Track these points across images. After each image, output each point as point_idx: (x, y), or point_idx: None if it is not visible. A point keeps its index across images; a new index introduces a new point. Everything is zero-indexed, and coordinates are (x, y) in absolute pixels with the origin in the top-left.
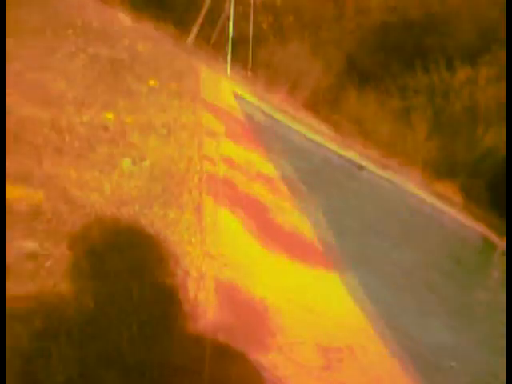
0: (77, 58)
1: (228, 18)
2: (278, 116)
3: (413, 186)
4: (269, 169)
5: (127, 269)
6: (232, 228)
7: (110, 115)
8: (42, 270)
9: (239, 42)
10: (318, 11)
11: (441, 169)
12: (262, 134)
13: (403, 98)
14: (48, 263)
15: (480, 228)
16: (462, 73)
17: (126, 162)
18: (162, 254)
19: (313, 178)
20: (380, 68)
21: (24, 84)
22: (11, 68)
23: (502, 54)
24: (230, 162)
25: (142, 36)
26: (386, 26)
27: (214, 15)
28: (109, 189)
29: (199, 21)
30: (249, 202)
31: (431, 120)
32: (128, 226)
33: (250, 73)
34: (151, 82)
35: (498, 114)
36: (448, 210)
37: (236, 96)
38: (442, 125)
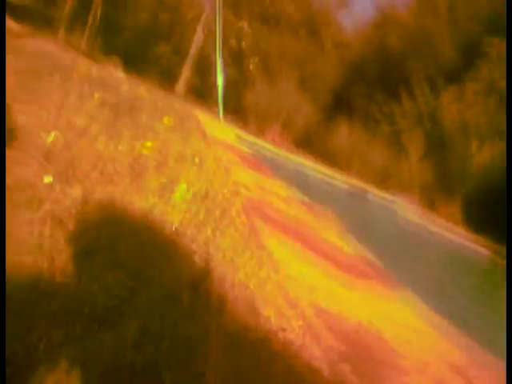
0: (90, 98)
1: (215, 66)
2: (277, 151)
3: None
4: (292, 193)
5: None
6: (290, 250)
7: (148, 143)
8: None
9: (228, 86)
10: (300, 49)
11: (437, 190)
12: (271, 166)
13: (391, 124)
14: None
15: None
16: (449, 92)
17: (181, 188)
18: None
19: (330, 202)
20: (365, 98)
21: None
22: (35, 107)
23: (486, 69)
24: (260, 187)
25: (136, 84)
26: (366, 56)
27: (199, 64)
28: (163, 213)
29: (186, 70)
30: (294, 223)
31: (422, 142)
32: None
33: (241, 115)
34: (165, 120)
35: (489, 129)
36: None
37: (236, 135)
38: (434, 145)
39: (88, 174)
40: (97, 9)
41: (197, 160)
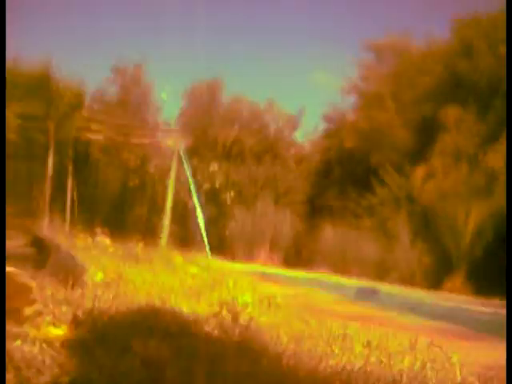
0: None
1: (193, 210)
2: (277, 271)
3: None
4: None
5: None
6: None
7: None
8: None
9: (210, 223)
10: (268, 172)
11: (437, 269)
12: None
13: (372, 215)
14: None
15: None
16: (419, 171)
17: None
18: None
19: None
20: (341, 198)
21: None
22: None
23: (448, 138)
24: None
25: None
26: (330, 163)
27: (177, 212)
28: None
29: (166, 222)
30: None
31: (408, 224)
32: None
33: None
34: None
35: (471, 191)
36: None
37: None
38: (421, 225)
39: None
40: (72, 192)
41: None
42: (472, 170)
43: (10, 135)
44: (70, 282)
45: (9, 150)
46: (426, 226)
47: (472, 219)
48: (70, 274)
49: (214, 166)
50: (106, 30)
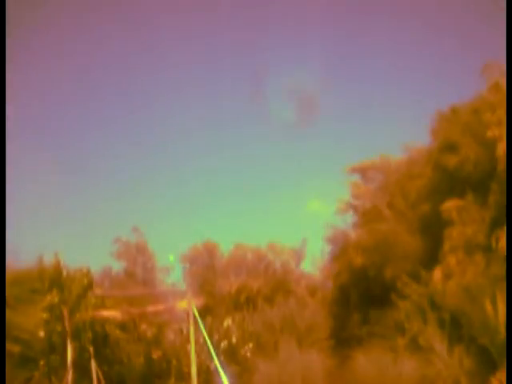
0: None
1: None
2: None
3: None
4: None
5: None
6: None
7: None
8: None
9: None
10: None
11: (481, 370)
12: None
13: (401, 333)
14: None
15: None
16: (436, 272)
17: None
18: None
19: None
20: (364, 324)
21: None
22: None
23: (456, 233)
24: None
25: None
26: (343, 289)
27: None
28: None
29: None
30: None
31: (440, 333)
32: None
33: None
34: None
35: (493, 284)
36: None
37: None
38: (453, 329)
39: None
40: (97, 374)
41: None
42: (488, 260)
43: (40, 332)
44: None
45: (37, 346)
46: (458, 328)
47: (501, 309)
48: None
49: (227, 321)
50: (104, 206)
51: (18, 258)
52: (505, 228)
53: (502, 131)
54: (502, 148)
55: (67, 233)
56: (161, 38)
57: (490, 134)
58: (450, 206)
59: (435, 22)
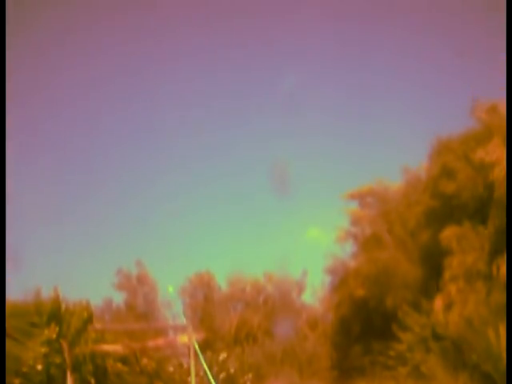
0: None
1: None
2: None
3: None
4: None
5: None
6: None
7: None
8: None
9: None
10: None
11: None
12: None
13: (404, 363)
14: None
15: None
16: (437, 302)
17: None
18: None
19: None
20: (366, 355)
21: None
22: None
23: (455, 262)
24: None
25: None
26: (344, 320)
27: None
28: None
29: None
30: None
31: (444, 362)
32: None
33: None
34: None
35: (495, 313)
36: None
37: None
38: (456, 359)
39: None
40: None
41: None
42: (489, 288)
43: (38, 366)
44: None
45: (36, 379)
46: (461, 357)
47: (503, 338)
48: None
49: (224, 355)
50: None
51: (17, 290)
52: (505, 255)
53: (497, 156)
54: (497, 172)
55: (67, 264)
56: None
57: (479, 158)
58: (449, 234)
59: (436, 44)
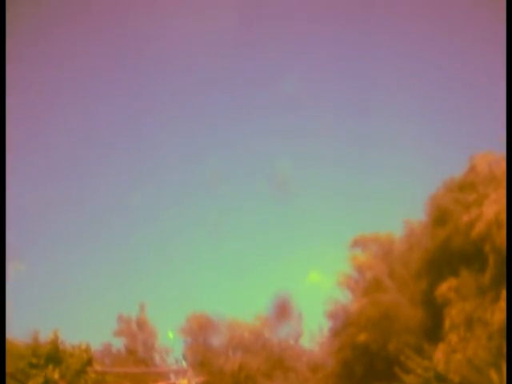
0: None
1: None
2: None
3: None
4: None
5: None
6: None
7: None
8: None
9: None
10: None
11: None
12: None
13: None
14: None
15: None
16: (440, 348)
17: None
18: None
19: None
20: None
21: None
22: None
23: (458, 305)
24: None
25: None
26: (345, 364)
27: None
28: None
29: None
30: None
31: None
32: None
33: None
34: None
35: (496, 357)
36: None
37: None
38: None
39: None
40: None
41: None
42: (489, 334)
43: None
44: None
45: None
46: None
47: (505, 376)
48: None
49: None
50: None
51: (18, 332)
52: (500, 301)
53: (483, 210)
54: (477, 230)
55: (66, 309)
56: None
57: (465, 217)
58: (446, 287)
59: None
